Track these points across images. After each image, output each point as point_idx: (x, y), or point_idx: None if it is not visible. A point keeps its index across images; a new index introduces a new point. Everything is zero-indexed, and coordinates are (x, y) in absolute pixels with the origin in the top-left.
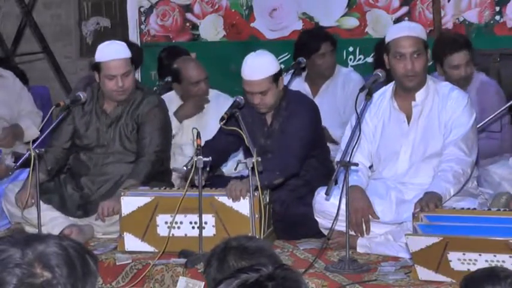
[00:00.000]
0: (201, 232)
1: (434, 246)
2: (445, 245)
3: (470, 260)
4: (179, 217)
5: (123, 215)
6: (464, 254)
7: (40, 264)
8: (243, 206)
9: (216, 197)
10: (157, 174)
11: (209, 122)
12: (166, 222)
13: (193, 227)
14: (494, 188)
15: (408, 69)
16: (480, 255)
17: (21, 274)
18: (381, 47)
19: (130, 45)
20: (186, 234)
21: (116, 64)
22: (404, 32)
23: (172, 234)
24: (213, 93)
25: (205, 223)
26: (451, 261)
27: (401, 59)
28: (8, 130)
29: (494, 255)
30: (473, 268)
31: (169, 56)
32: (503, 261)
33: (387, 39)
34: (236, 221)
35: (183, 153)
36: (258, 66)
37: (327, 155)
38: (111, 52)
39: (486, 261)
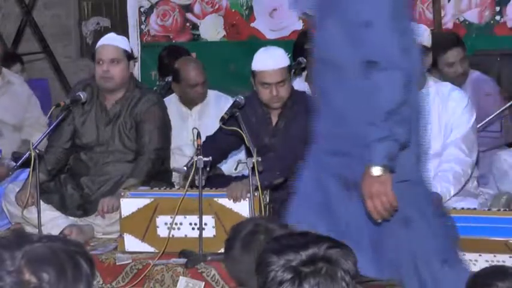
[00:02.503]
0: (201, 233)
1: None
2: None
3: (470, 260)
4: (179, 218)
5: (122, 216)
6: (464, 255)
7: (28, 271)
8: (243, 208)
9: (216, 199)
10: (157, 174)
11: (210, 123)
12: (166, 224)
13: (193, 228)
14: (500, 175)
15: None
16: (480, 255)
17: (11, 282)
18: None
19: None
20: (186, 235)
21: (104, 49)
22: None
23: (172, 235)
24: (213, 94)
25: (205, 224)
26: None
27: None
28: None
29: (494, 256)
30: (473, 268)
31: (170, 55)
32: (503, 262)
33: None
34: (236, 222)
35: (183, 153)
36: (277, 56)
37: None
38: (106, 38)
39: (486, 261)
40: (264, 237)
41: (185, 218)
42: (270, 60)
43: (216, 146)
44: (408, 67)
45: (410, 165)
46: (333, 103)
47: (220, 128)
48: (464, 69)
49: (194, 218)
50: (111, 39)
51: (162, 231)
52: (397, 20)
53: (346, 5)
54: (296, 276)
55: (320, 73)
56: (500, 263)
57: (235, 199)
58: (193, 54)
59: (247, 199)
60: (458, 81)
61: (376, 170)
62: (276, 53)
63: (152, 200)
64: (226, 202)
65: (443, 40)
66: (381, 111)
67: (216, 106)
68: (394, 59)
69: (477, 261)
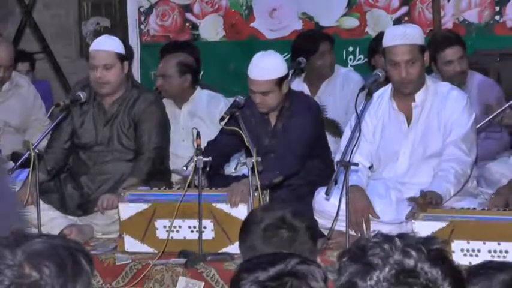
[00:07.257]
0: (200, 232)
1: (440, 233)
2: (451, 231)
3: (473, 250)
4: (178, 222)
5: (121, 219)
6: (468, 243)
7: (29, 265)
8: (241, 212)
9: (214, 204)
10: (157, 174)
11: (200, 123)
12: (165, 227)
13: (192, 231)
14: (494, 186)
15: (403, 77)
16: (484, 243)
17: (12, 276)
18: (376, 44)
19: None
20: (185, 237)
21: (97, 54)
22: (399, 40)
23: (172, 237)
24: (204, 93)
25: (204, 227)
26: (454, 252)
27: (396, 67)
28: None
29: (499, 244)
30: (475, 260)
31: (172, 50)
32: (506, 251)
33: (383, 44)
34: (235, 226)
35: (175, 154)
36: (264, 67)
37: (329, 156)
38: (98, 42)
39: (489, 251)
40: (288, 235)
41: (184, 221)
42: (259, 70)
43: (218, 150)
44: None
45: None
46: None
47: (221, 131)
48: (462, 67)
49: (193, 222)
50: (102, 43)
51: (161, 234)
52: None
53: None
54: None
55: None
56: (503, 253)
57: (233, 204)
58: None
59: (245, 204)
60: (457, 79)
61: None
62: (270, 62)
63: (150, 205)
64: (224, 207)
65: (442, 38)
66: None
67: (207, 106)
68: None
69: (480, 252)
